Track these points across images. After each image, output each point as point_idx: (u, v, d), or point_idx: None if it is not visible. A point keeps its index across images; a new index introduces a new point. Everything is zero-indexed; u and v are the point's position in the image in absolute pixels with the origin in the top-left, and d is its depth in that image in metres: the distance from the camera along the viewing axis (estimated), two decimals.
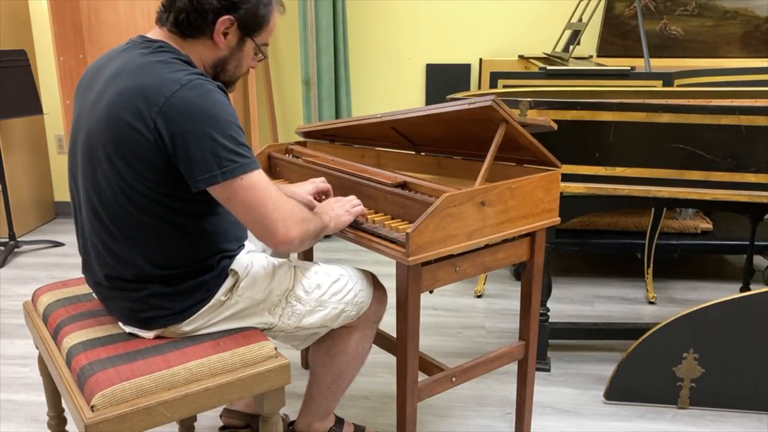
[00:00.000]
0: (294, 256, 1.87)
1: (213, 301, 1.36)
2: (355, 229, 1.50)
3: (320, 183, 1.66)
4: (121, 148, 1.22)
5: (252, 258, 1.44)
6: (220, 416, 1.85)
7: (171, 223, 1.28)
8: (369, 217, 1.53)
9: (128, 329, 1.36)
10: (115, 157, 1.23)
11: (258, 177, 1.23)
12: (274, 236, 1.26)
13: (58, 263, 3.34)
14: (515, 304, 2.50)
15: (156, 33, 1.33)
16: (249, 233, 1.53)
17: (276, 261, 1.49)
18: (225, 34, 1.32)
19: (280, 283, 1.45)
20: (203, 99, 1.20)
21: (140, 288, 1.31)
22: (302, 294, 1.47)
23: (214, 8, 1.28)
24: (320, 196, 1.65)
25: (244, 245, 1.46)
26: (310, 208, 1.50)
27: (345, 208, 1.50)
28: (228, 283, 1.38)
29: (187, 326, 1.35)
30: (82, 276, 1.47)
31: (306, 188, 1.63)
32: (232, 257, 1.40)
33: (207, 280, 1.34)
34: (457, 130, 1.72)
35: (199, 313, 1.35)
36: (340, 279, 1.53)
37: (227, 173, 1.20)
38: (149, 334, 1.35)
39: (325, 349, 1.61)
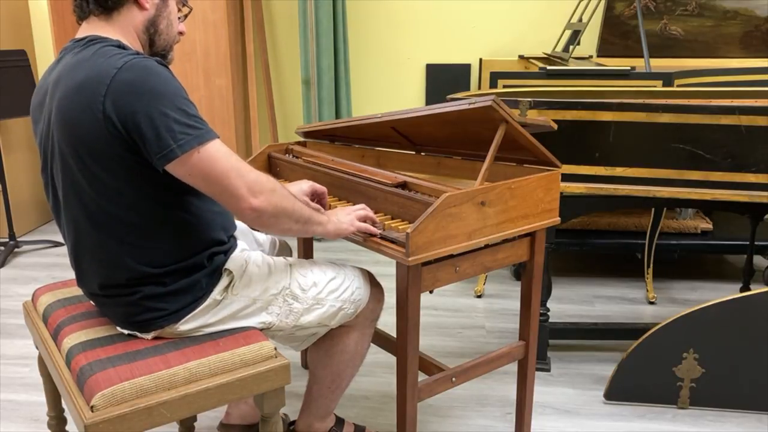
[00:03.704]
0: (294, 254, 1.87)
1: (208, 300, 1.35)
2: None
3: (316, 183, 1.64)
4: (83, 149, 1.21)
5: (247, 256, 1.44)
6: (217, 428, 1.84)
7: (154, 218, 1.27)
8: None
9: (126, 332, 1.36)
10: (82, 161, 1.22)
11: (216, 146, 1.21)
12: (240, 204, 1.24)
13: (58, 263, 3.34)
14: (515, 304, 2.51)
15: (83, 30, 1.33)
16: (240, 228, 1.53)
17: (272, 259, 1.49)
18: None
19: (277, 281, 1.44)
20: (144, 76, 1.18)
21: (134, 292, 1.30)
22: (299, 292, 1.47)
23: None
24: (315, 197, 1.63)
25: (235, 239, 1.46)
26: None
27: (350, 216, 1.46)
28: (223, 282, 1.38)
29: (184, 326, 1.35)
30: None
31: (302, 187, 1.60)
32: (224, 254, 1.39)
33: (200, 279, 1.34)
34: (457, 130, 1.72)
35: (194, 313, 1.34)
36: (336, 277, 1.52)
37: (184, 146, 1.18)
38: (147, 336, 1.35)
39: (324, 349, 1.61)
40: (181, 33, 1.43)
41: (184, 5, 1.43)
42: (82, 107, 1.19)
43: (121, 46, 1.27)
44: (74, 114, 1.20)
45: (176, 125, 1.18)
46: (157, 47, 1.38)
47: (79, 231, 1.30)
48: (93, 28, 1.31)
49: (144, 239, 1.28)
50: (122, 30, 1.32)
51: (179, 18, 1.42)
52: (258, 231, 1.36)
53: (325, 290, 1.49)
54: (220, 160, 1.21)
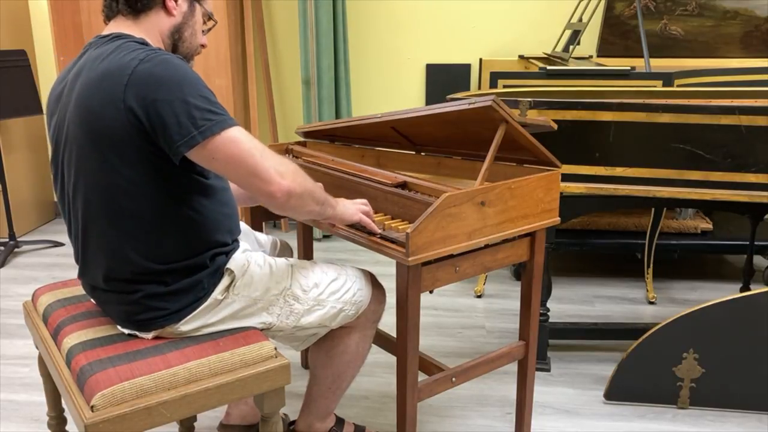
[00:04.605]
0: (294, 255, 1.87)
1: (209, 300, 1.35)
2: (356, 229, 1.50)
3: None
4: (102, 139, 1.22)
5: (249, 257, 1.43)
6: (217, 429, 1.84)
7: (163, 213, 1.28)
8: None
9: (127, 331, 1.36)
10: (99, 152, 1.23)
11: (238, 131, 1.22)
12: (269, 187, 1.23)
13: (58, 263, 3.34)
14: (515, 304, 2.50)
15: (109, 28, 1.35)
16: (242, 229, 1.53)
17: (273, 260, 1.49)
18: (176, 0, 1.36)
19: (278, 281, 1.44)
20: (165, 67, 1.20)
21: (136, 290, 1.31)
22: (300, 293, 1.47)
23: None
24: None
25: (238, 241, 1.46)
26: None
27: (355, 207, 1.49)
28: (224, 282, 1.38)
29: (185, 326, 1.35)
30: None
31: None
32: (226, 254, 1.39)
33: (201, 279, 1.34)
34: (457, 130, 1.72)
35: (195, 312, 1.34)
36: (338, 278, 1.52)
37: (205, 131, 1.19)
38: (148, 335, 1.35)
39: (324, 349, 1.61)
40: (203, 45, 1.45)
41: (209, 18, 1.45)
42: (102, 98, 1.21)
43: (144, 44, 1.29)
44: (95, 105, 1.22)
45: (197, 111, 1.19)
46: (178, 53, 1.39)
47: (88, 222, 1.31)
48: (119, 26, 1.34)
49: (151, 234, 1.28)
50: (148, 32, 1.34)
51: (203, 31, 1.44)
52: (280, 215, 1.33)
53: (327, 291, 1.49)
54: (244, 143, 1.21)
